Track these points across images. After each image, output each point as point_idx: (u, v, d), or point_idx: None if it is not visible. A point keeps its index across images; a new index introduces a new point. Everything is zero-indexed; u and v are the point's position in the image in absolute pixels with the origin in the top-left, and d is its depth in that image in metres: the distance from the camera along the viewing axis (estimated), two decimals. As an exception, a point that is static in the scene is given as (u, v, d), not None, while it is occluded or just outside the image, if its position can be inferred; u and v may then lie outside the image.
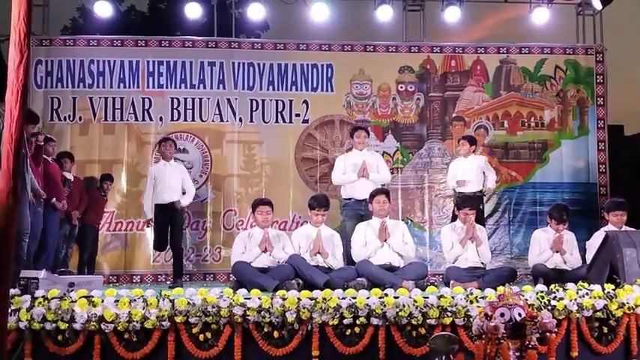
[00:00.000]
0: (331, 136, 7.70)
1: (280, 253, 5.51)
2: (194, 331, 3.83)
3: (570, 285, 4.28)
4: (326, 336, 3.90)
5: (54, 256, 6.03)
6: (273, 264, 5.42)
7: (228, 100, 7.56)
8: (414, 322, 3.89)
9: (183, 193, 6.48)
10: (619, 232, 5.27)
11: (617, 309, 4.08)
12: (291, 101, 7.64)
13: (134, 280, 7.15)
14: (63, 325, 3.73)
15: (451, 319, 3.91)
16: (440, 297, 3.99)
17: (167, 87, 7.52)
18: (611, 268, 4.69)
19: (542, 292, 4.14)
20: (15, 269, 3.83)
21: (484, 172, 6.67)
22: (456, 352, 3.26)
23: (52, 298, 3.81)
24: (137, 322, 3.75)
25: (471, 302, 3.95)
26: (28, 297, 3.84)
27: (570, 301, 4.04)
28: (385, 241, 5.56)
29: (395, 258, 5.53)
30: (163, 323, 3.78)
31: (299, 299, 3.92)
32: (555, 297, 4.06)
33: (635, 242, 4.65)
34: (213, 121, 7.54)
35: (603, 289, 4.17)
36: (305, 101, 7.66)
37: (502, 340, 3.00)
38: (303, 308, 3.87)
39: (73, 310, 3.76)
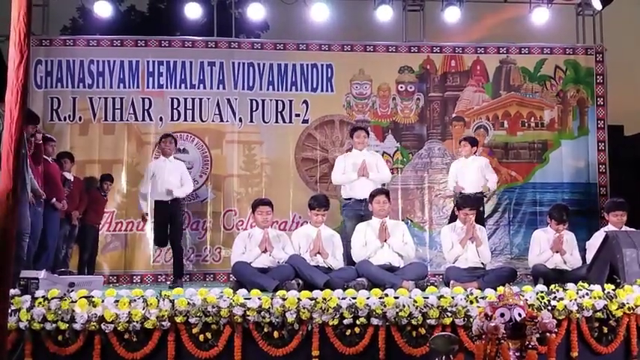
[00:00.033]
0: (331, 136, 7.70)
1: (280, 254, 5.51)
2: (194, 331, 3.83)
3: (570, 285, 4.29)
4: (326, 336, 3.89)
5: (54, 256, 6.02)
6: (273, 264, 5.42)
7: (228, 100, 7.56)
8: (414, 322, 3.89)
9: (182, 190, 6.52)
10: (619, 232, 5.26)
11: (617, 309, 4.09)
12: (291, 101, 7.64)
13: (134, 281, 7.15)
14: (63, 326, 3.73)
15: (451, 319, 3.91)
16: (440, 297, 3.99)
17: (167, 87, 7.52)
18: (611, 268, 4.69)
19: (542, 292, 4.14)
20: (15, 269, 3.83)
21: (484, 175, 6.66)
22: (456, 353, 3.26)
23: (52, 299, 3.81)
24: (137, 322, 3.75)
25: (471, 302, 3.95)
26: (28, 297, 3.84)
27: (570, 301, 4.04)
28: (385, 241, 5.56)
29: (395, 258, 5.53)
30: (163, 323, 3.78)
31: (299, 299, 3.92)
32: (555, 297, 4.06)
33: (635, 242, 4.65)
34: (213, 121, 7.54)
35: (603, 290, 4.17)
36: (305, 101, 7.65)
37: (502, 341, 3.00)
38: (303, 308, 3.87)
39: (73, 310, 3.76)
